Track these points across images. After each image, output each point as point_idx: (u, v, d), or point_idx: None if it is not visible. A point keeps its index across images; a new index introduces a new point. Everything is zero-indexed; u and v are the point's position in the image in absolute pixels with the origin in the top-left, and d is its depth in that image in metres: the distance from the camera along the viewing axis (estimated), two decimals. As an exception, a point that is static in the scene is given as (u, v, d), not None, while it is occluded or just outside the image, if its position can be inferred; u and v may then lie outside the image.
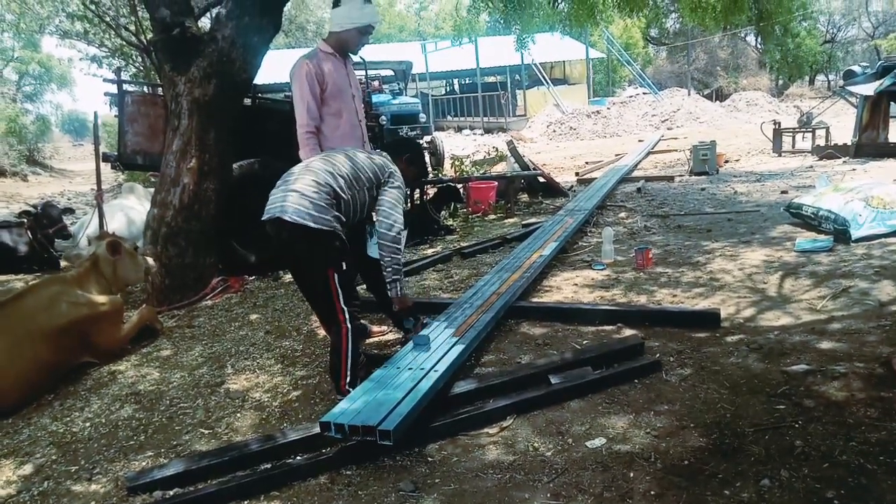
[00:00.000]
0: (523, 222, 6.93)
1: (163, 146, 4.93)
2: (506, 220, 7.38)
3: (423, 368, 2.79)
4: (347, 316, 2.89)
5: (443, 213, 7.41)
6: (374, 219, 3.12)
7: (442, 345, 3.06)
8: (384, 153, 3.26)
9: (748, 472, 2.20)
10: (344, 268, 2.90)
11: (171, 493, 2.37)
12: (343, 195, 2.94)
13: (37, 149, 23.09)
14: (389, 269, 3.07)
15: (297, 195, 2.85)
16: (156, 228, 4.69)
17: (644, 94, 25.55)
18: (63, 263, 6.42)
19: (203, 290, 4.77)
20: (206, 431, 2.85)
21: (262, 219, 2.93)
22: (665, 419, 2.60)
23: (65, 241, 6.91)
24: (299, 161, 3.27)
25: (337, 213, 2.91)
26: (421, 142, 10.67)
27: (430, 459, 2.48)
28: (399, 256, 3.08)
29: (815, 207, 5.19)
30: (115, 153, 5.46)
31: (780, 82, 34.20)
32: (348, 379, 2.88)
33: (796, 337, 3.23)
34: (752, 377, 2.86)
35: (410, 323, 3.35)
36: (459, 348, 3.01)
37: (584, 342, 3.43)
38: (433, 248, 6.11)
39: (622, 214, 6.99)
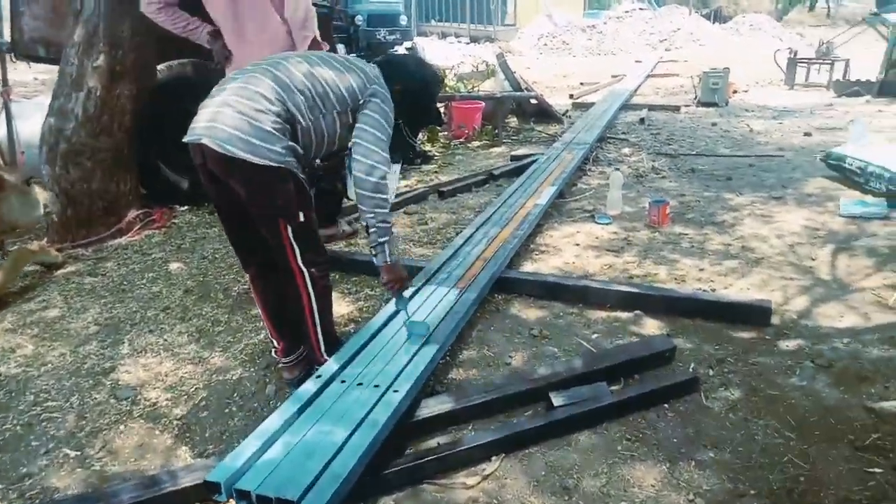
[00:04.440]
0: (512, 153, 6.01)
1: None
2: (492, 149, 6.43)
3: (377, 386, 1.98)
4: (308, 280, 2.12)
5: (420, 136, 6.41)
6: (350, 156, 2.19)
7: (405, 346, 2.24)
8: (373, 66, 2.28)
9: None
10: (302, 219, 2.07)
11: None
12: (301, 119, 2.04)
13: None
14: (374, 230, 2.15)
15: (232, 112, 1.95)
16: (52, 144, 3.67)
17: (642, 9, 23.82)
18: None
19: (117, 224, 3.84)
20: (73, 454, 2.04)
21: (184, 140, 2.03)
22: (712, 476, 1.86)
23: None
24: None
25: (291, 144, 2.02)
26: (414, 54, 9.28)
27: (380, 527, 1.72)
28: (385, 210, 2.15)
29: (863, 161, 4.35)
30: (9, 41, 4.31)
31: (780, 5, 32.35)
32: (322, 345, 2.23)
33: (874, 350, 2.47)
34: (825, 413, 2.12)
35: (404, 303, 2.36)
36: (430, 352, 2.19)
37: (594, 335, 2.64)
38: (406, 181, 5.18)
39: (626, 150, 6.09)
